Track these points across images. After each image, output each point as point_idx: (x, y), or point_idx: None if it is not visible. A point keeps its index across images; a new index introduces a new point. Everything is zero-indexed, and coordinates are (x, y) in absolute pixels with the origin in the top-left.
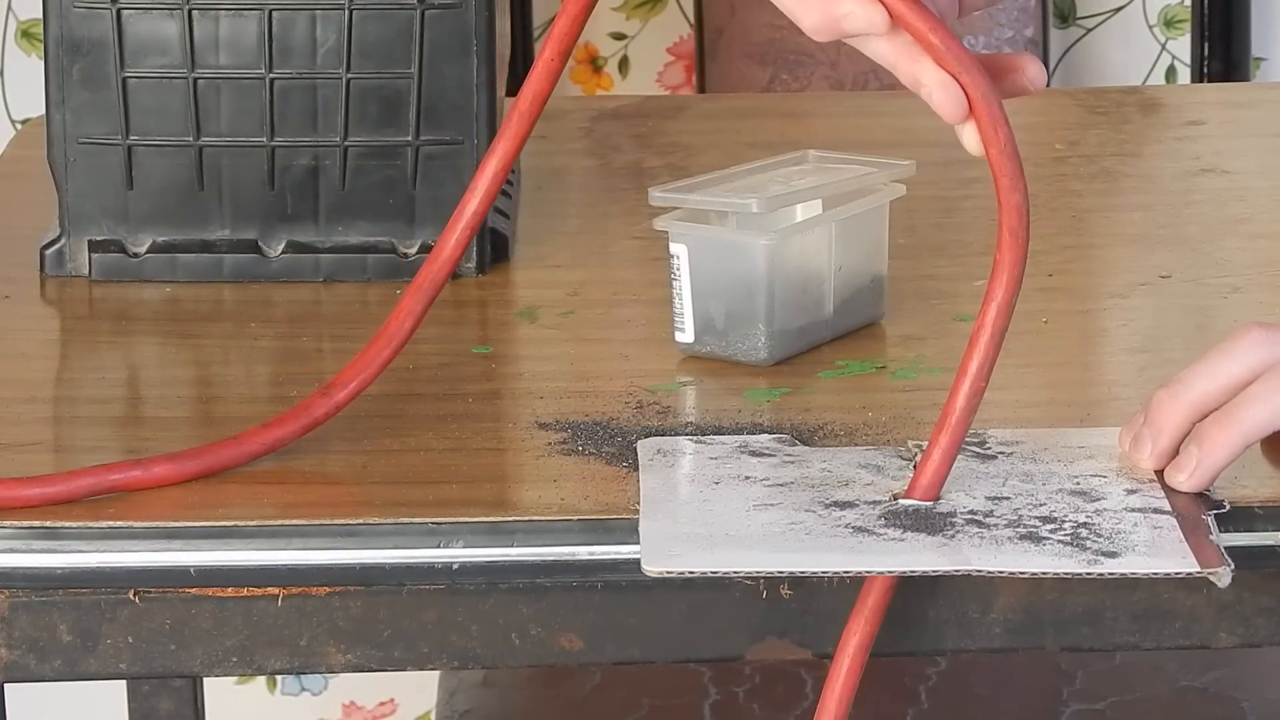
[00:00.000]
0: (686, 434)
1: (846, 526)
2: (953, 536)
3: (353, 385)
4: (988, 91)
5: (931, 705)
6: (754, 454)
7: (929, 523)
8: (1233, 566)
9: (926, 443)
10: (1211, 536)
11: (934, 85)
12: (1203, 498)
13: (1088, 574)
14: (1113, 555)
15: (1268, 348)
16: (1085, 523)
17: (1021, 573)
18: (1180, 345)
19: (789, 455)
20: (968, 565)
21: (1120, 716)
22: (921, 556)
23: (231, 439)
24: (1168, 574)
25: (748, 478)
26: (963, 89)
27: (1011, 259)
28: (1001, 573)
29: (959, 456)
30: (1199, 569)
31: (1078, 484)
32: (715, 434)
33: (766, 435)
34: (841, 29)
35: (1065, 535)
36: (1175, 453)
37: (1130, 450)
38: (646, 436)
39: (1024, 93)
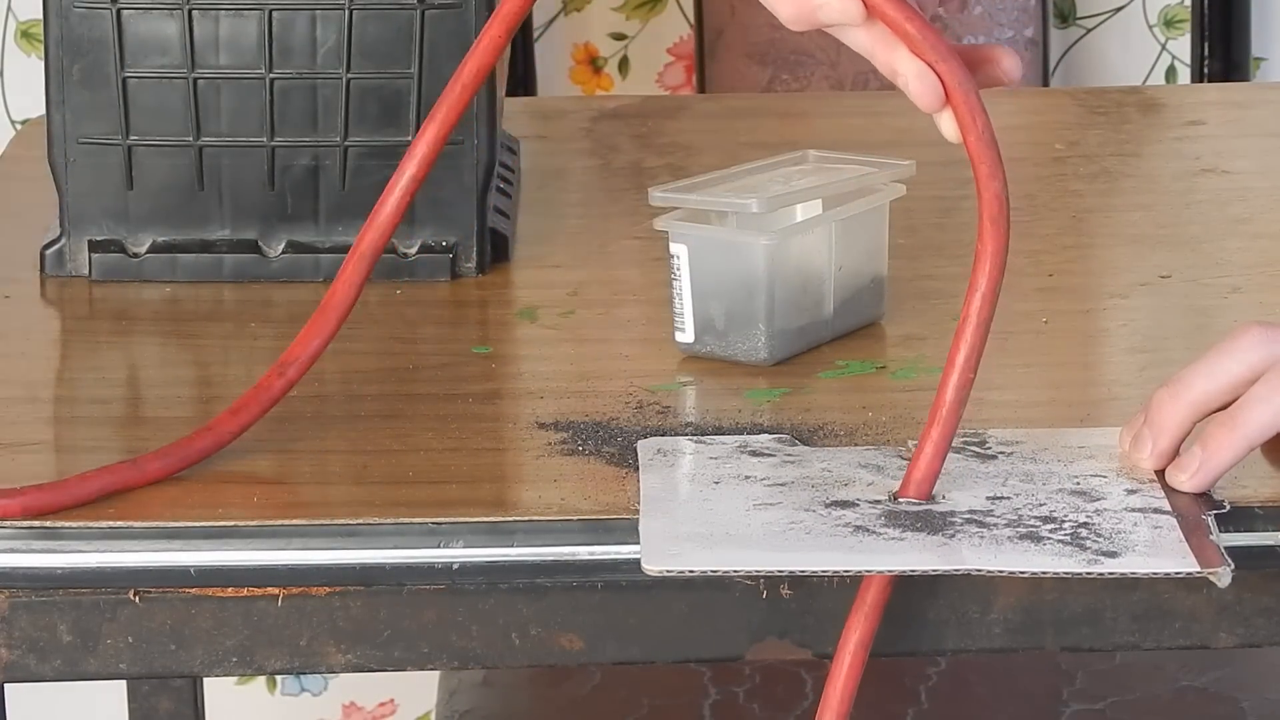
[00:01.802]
0: (686, 434)
1: (846, 526)
2: (953, 536)
3: (303, 358)
4: (964, 80)
5: (931, 705)
6: (754, 454)
7: (929, 522)
8: (1233, 566)
9: None
10: (1211, 536)
11: (910, 74)
12: (1203, 498)
13: (1088, 574)
14: (1113, 555)
15: (1267, 346)
16: (1085, 523)
17: (1021, 573)
18: (1180, 345)
19: (789, 455)
20: (967, 565)
21: (1120, 716)
22: (921, 556)
23: (204, 429)
24: (1168, 574)
25: (748, 477)
26: (939, 77)
27: (994, 247)
28: (1001, 573)
29: (960, 456)
30: (1199, 569)
31: (1078, 484)
32: (715, 434)
33: (766, 435)
34: (818, 19)
35: (1065, 535)
36: (1176, 452)
37: (1130, 450)
38: (646, 436)
39: (999, 84)
